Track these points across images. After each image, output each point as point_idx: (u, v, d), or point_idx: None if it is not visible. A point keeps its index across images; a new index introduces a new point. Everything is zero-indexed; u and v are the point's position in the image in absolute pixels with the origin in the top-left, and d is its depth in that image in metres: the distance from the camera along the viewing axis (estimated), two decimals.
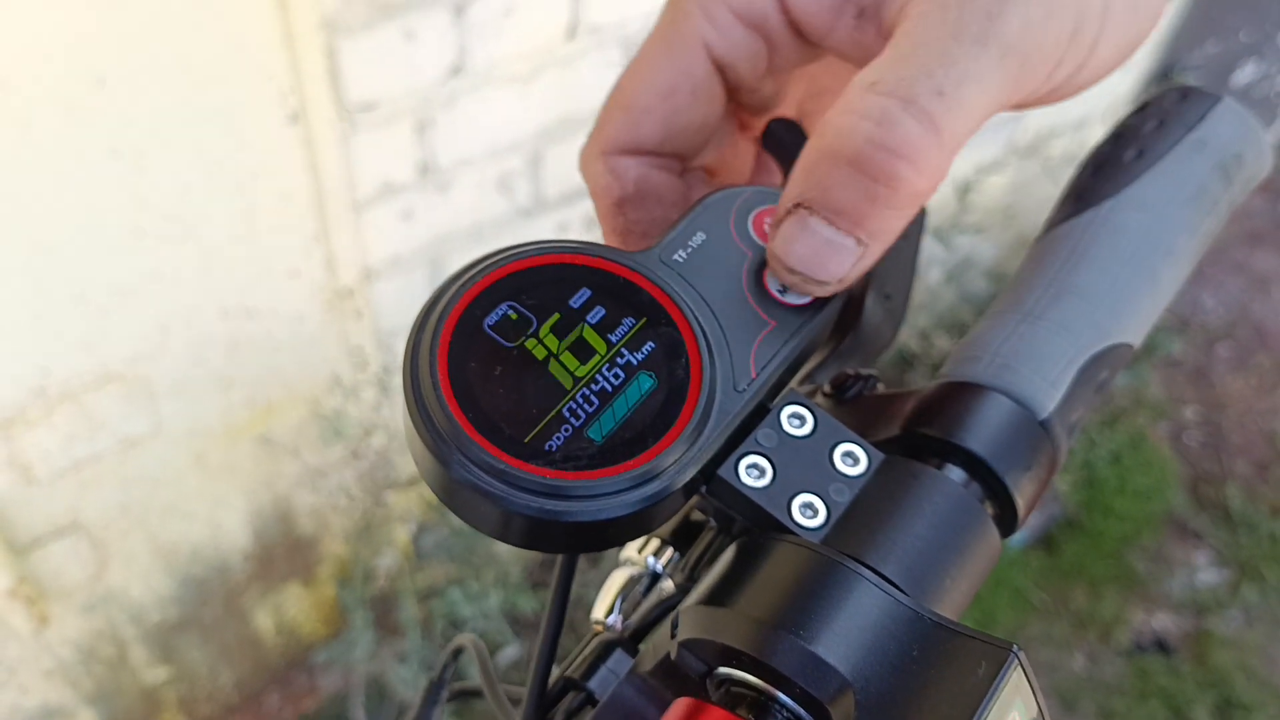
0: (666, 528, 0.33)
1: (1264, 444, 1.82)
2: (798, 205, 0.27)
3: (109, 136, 0.92)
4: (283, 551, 1.38)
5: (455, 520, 1.43)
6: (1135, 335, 0.31)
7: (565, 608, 0.30)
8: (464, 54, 1.06)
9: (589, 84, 1.18)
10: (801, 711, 0.24)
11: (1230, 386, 1.89)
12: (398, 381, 1.27)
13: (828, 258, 0.27)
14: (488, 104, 1.12)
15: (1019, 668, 0.23)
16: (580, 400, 0.25)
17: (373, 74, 1.01)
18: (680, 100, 0.31)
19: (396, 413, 1.29)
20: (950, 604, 0.26)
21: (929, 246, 1.68)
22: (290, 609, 1.44)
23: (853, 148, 0.26)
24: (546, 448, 0.25)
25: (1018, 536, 1.69)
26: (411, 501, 1.40)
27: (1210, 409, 1.86)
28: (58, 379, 1.04)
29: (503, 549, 1.40)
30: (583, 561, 0.33)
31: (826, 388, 0.32)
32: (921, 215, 0.34)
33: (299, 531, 1.38)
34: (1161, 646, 1.61)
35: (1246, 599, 1.64)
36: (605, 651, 0.31)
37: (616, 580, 0.32)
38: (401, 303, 1.23)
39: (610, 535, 0.25)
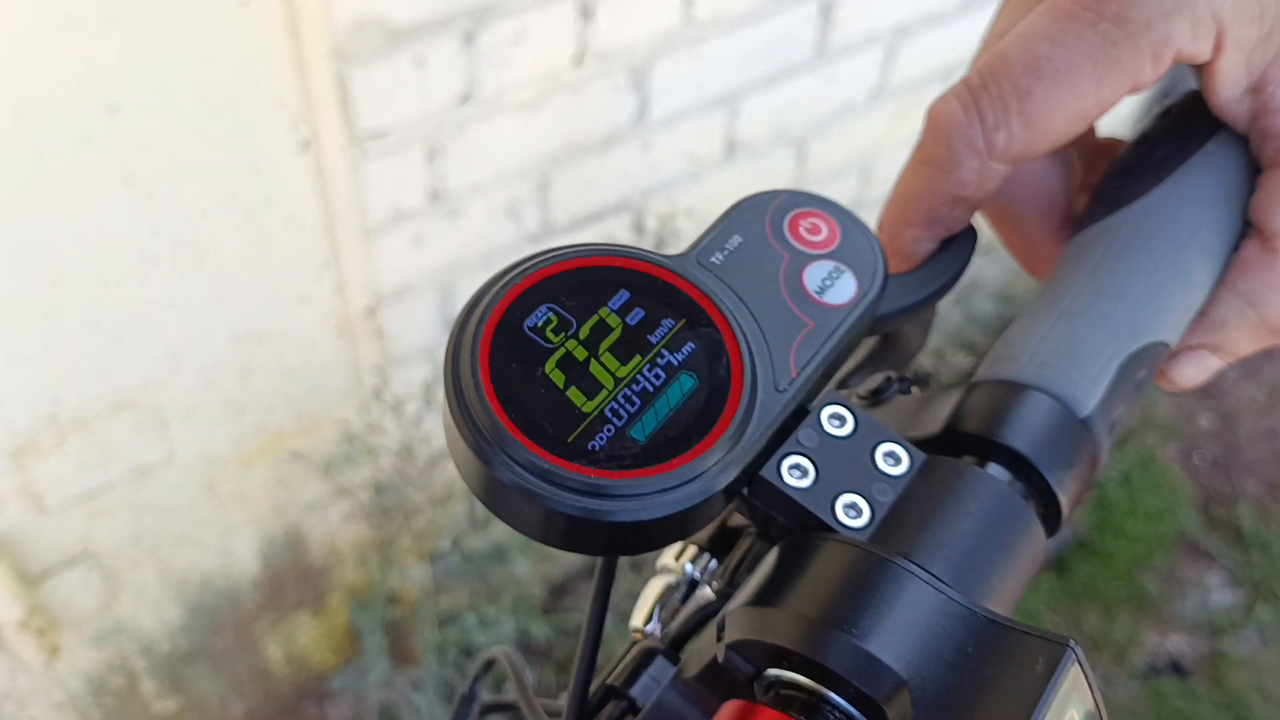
0: (704, 534, 0.32)
1: (1274, 463, 1.81)
2: (1201, 347, 0.34)
3: (122, 164, 0.93)
4: (293, 579, 1.37)
5: (469, 546, 1.42)
6: (1172, 333, 0.31)
7: (605, 613, 0.30)
8: (473, 81, 1.07)
9: (597, 110, 1.19)
10: (854, 711, 0.24)
11: (1239, 405, 1.88)
12: (410, 407, 1.27)
13: (1207, 378, 0.34)
14: (497, 131, 1.12)
15: (1076, 663, 0.22)
16: (622, 400, 0.25)
17: (383, 101, 1.02)
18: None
19: (410, 438, 1.28)
20: (1000, 602, 0.26)
21: (980, 266, 1.68)
22: (301, 638, 1.44)
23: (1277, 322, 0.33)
24: (590, 447, 0.25)
25: None
26: (427, 527, 1.39)
27: (1220, 428, 1.86)
28: (69, 407, 1.04)
29: (518, 574, 1.40)
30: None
31: (863, 391, 0.32)
32: (973, 230, 0.34)
33: (310, 559, 1.37)
34: (1176, 668, 1.59)
35: (1261, 620, 1.63)
36: (646, 659, 0.31)
37: (654, 588, 0.31)
38: (412, 328, 1.23)
39: (652, 537, 0.25)
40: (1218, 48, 0.30)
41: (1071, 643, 0.22)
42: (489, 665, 0.35)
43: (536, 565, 1.41)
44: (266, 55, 0.95)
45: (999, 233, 0.38)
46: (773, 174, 1.42)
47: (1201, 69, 0.32)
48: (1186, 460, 1.82)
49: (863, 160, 1.53)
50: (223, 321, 1.09)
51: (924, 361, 1.66)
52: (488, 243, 1.22)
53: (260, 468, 1.23)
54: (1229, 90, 0.32)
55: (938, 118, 0.32)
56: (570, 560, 1.53)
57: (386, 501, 1.28)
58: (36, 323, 0.97)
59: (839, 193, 1.56)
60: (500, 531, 1.43)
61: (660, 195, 1.33)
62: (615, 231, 1.31)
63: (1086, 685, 0.23)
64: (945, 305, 1.72)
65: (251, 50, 0.94)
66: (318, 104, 1.00)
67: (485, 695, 0.36)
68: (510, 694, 0.34)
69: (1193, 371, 0.34)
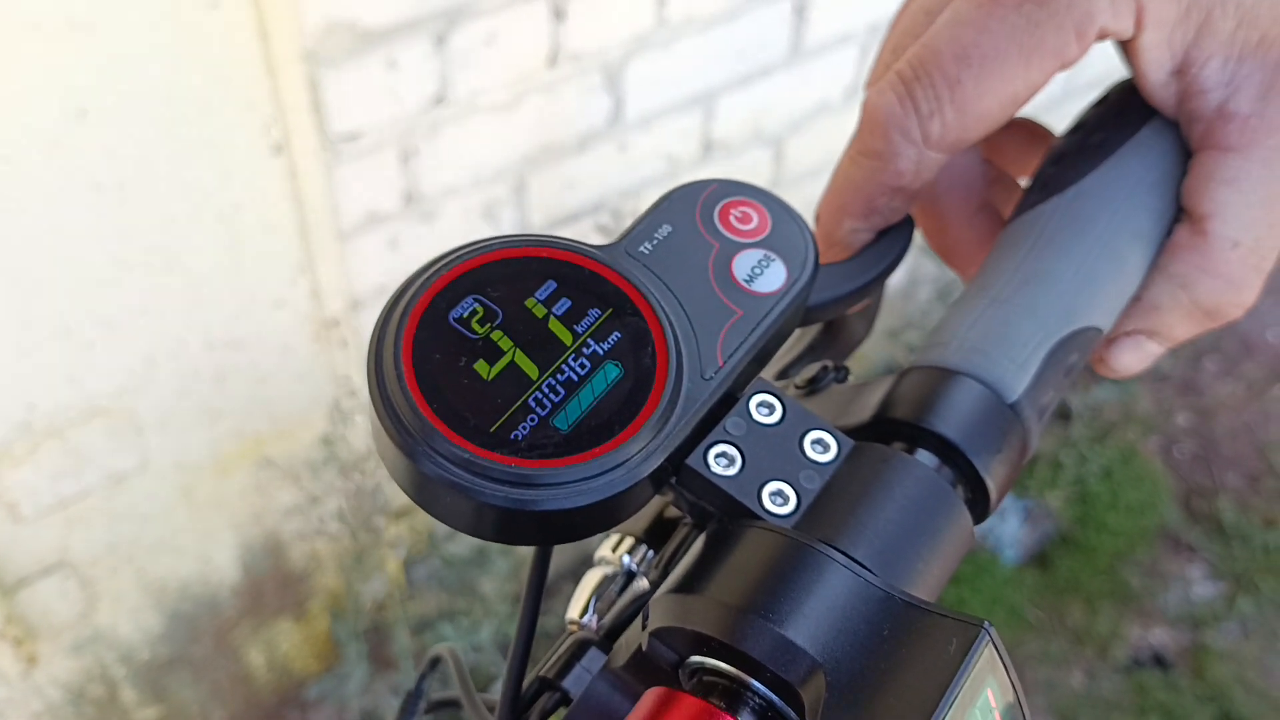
0: (640, 525, 0.32)
1: (1254, 456, 1.82)
2: (1136, 332, 0.34)
3: (92, 169, 0.93)
4: (273, 586, 1.37)
5: (448, 550, 1.42)
6: (1104, 319, 0.32)
7: (539, 605, 0.30)
8: (446, 83, 1.07)
9: (572, 111, 1.19)
10: (773, 696, 0.24)
11: (1219, 399, 1.89)
12: None
13: (1146, 365, 0.34)
14: (471, 132, 1.12)
15: (990, 645, 0.22)
16: (546, 390, 0.25)
17: (356, 104, 1.02)
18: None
19: None
20: (924, 587, 0.26)
21: (920, 264, 1.69)
22: (282, 644, 1.43)
23: (1213, 304, 0.32)
24: (512, 437, 0.25)
25: (1012, 554, 1.69)
26: (404, 531, 1.39)
27: (1200, 422, 1.87)
28: (43, 414, 1.03)
29: (494, 579, 1.39)
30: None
31: (799, 381, 0.32)
32: (910, 220, 0.34)
33: (289, 565, 1.37)
34: (1159, 661, 1.60)
35: (1242, 611, 1.64)
36: (579, 650, 0.31)
37: (591, 579, 0.31)
38: None
39: (581, 525, 0.25)
40: (1138, 24, 0.31)
41: (986, 624, 0.23)
42: (435, 663, 0.35)
43: (517, 568, 1.41)
44: (237, 58, 0.95)
45: (928, 239, 0.38)
46: (750, 173, 1.42)
47: (1126, 48, 0.32)
48: (1167, 454, 1.83)
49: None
50: (196, 327, 1.09)
51: (899, 358, 1.66)
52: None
53: (237, 474, 1.22)
54: (1155, 73, 0.32)
55: (873, 109, 0.32)
56: (556, 560, 1.53)
57: (365, 506, 1.28)
58: (7, 330, 0.97)
59: (817, 193, 1.56)
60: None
61: (637, 196, 1.33)
62: (591, 232, 1.31)
63: (1004, 670, 0.23)
64: (927, 301, 1.72)
65: (221, 53, 0.94)
66: (289, 107, 0.99)
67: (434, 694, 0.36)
68: (456, 691, 0.34)
69: (1130, 358, 0.34)
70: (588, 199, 1.29)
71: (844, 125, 1.61)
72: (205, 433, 1.17)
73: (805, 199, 0.33)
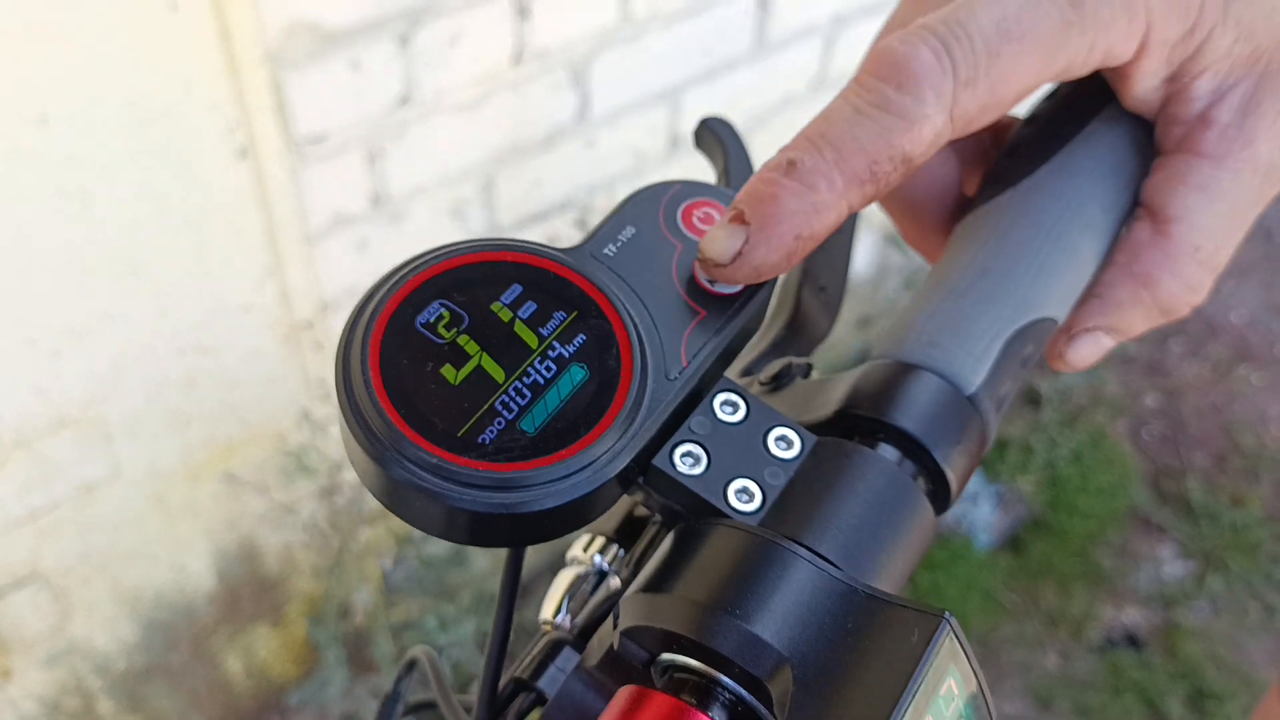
0: (611, 525, 0.33)
1: (1221, 436, 1.85)
2: (1096, 329, 0.34)
3: (54, 175, 0.92)
4: (249, 592, 1.36)
5: (426, 552, 1.42)
6: (1058, 309, 0.32)
7: (513, 606, 0.30)
8: (411, 83, 1.06)
9: (538, 108, 1.19)
10: (743, 692, 0.24)
11: (1185, 380, 1.92)
12: None
13: (1099, 358, 0.34)
14: (438, 132, 1.12)
15: (951, 635, 0.23)
16: (513, 393, 0.26)
17: (320, 106, 1.01)
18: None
19: None
20: (888, 579, 0.26)
21: (887, 254, 1.70)
22: (260, 650, 1.42)
23: (1171, 304, 0.33)
24: (480, 440, 0.25)
25: (985, 539, 1.70)
26: (381, 535, 1.39)
27: (1167, 403, 1.89)
28: (9, 425, 1.02)
29: (473, 578, 1.39)
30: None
31: (763, 377, 0.33)
32: (854, 215, 0.34)
33: (265, 571, 1.36)
34: (1132, 641, 1.62)
35: (1212, 589, 1.66)
36: (553, 650, 0.31)
37: (563, 580, 0.32)
38: None
39: (550, 526, 0.25)
40: (1141, 50, 0.30)
41: (947, 614, 0.23)
42: (411, 665, 0.35)
43: (496, 566, 1.41)
44: (198, 61, 0.94)
45: (892, 217, 0.37)
46: None
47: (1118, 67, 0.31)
48: (1135, 436, 1.85)
49: None
50: (164, 334, 1.08)
51: (871, 350, 1.67)
52: (433, 246, 1.22)
53: (209, 480, 1.22)
54: (1144, 84, 0.32)
55: (903, 59, 0.27)
56: (531, 558, 1.53)
57: (341, 510, 1.27)
58: None
59: None
60: None
61: (605, 192, 1.33)
62: (560, 230, 1.31)
63: (966, 660, 0.23)
64: (895, 290, 1.74)
65: (183, 57, 0.93)
66: (253, 109, 0.99)
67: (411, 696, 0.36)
68: (433, 694, 0.34)
69: (1087, 352, 0.34)
70: (556, 197, 1.29)
71: (810, 118, 1.61)
72: (176, 439, 1.16)
73: None
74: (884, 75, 0.28)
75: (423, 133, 1.11)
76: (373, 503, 1.33)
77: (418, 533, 1.42)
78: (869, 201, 0.29)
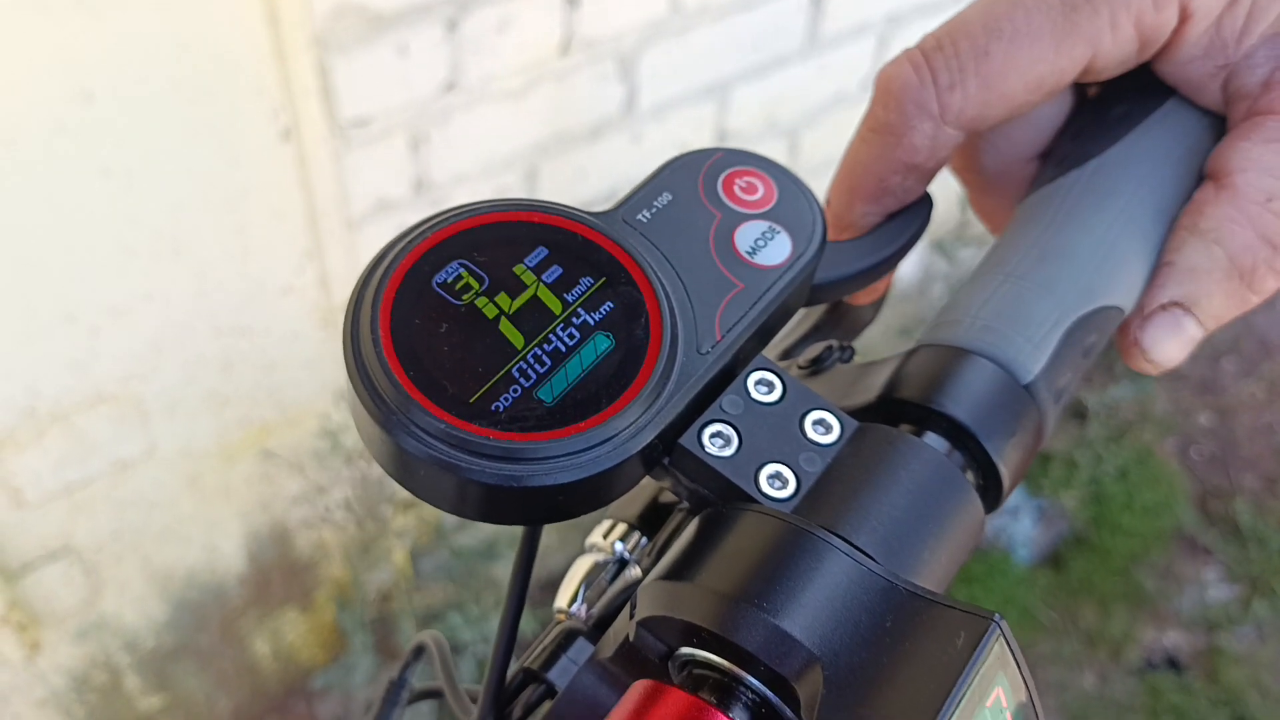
0: (634, 511, 0.31)
1: (1272, 458, 1.79)
2: (1172, 305, 0.30)
3: (98, 154, 0.92)
4: (279, 575, 1.36)
5: (456, 541, 1.41)
6: (1125, 298, 0.30)
7: (525, 590, 0.28)
8: (457, 69, 1.06)
9: (584, 98, 1.18)
10: (767, 692, 0.22)
11: (1237, 400, 1.87)
12: None
13: (1185, 352, 0.30)
14: (482, 120, 1.11)
15: (1001, 639, 0.21)
16: (531, 360, 0.24)
17: (365, 90, 1.01)
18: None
19: None
20: (931, 577, 0.24)
21: (933, 261, 1.67)
22: (288, 634, 1.42)
23: (1250, 263, 0.29)
24: (493, 408, 0.23)
25: (1025, 554, 1.67)
26: (411, 522, 1.38)
27: (1218, 423, 1.84)
28: (48, 400, 1.03)
29: (503, 570, 1.38)
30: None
31: (802, 361, 0.31)
32: (928, 199, 0.33)
33: (296, 554, 1.36)
34: (1173, 664, 1.58)
35: (1258, 615, 1.61)
36: (567, 641, 0.29)
37: (581, 567, 0.30)
38: None
39: (566, 503, 0.24)
40: (1183, 17, 0.29)
41: (997, 616, 0.21)
42: (419, 651, 0.34)
43: None
44: (245, 43, 0.94)
45: (963, 182, 0.37)
46: None
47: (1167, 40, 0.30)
48: (1184, 455, 1.81)
49: None
50: (203, 314, 1.08)
51: None
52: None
53: (244, 462, 1.22)
54: (1194, 61, 0.31)
55: (888, 80, 0.31)
56: (559, 556, 1.52)
57: (372, 496, 1.27)
58: (13, 315, 0.96)
59: None
60: (489, 528, 1.42)
61: None
62: None
63: (1015, 666, 0.21)
64: (939, 297, 1.70)
65: (230, 38, 0.93)
66: (298, 93, 0.99)
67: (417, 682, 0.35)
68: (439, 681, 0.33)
69: (1169, 342, 0.30)
70: (600, 188, 1.28)
71: (859, 117, 1.59)
72: (212, 420, 1.16)
73: (820, 191, 0.31)
74: (877, 98, 0.31)
75: (467, 120, 1.10)
76: (403, 491, 1.32)
77: (449, 521, 1.42)
78: (892, 209, 0.32)
